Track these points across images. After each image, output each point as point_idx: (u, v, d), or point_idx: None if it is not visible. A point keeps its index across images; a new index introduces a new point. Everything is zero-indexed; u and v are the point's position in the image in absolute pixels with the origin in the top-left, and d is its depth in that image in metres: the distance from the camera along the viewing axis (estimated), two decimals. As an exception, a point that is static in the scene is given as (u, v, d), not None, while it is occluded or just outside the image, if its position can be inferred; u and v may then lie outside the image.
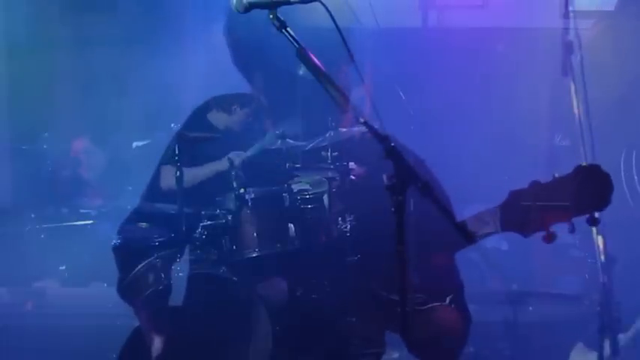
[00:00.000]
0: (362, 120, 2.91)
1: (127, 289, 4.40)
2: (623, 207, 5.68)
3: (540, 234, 3.21)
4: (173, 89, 6.92)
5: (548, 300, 5.72)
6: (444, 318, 3.70)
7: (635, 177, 6.05)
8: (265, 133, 4.41)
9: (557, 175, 3.22)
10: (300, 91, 4.34)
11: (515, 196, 3.28)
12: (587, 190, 3.12)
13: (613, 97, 5.78)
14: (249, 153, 4.34)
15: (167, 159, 4.47)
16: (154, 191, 4.57)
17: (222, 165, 4.34)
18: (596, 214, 3.15)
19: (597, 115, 4.53)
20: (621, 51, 6.24)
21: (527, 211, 3.21)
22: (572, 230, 3.19)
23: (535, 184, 3.23)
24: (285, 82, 4.27)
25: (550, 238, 3.17)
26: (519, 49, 6.77)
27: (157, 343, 4.23)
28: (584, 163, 3.33)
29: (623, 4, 6.62)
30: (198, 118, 4.59)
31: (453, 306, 3.72)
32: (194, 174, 4.41)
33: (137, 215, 4.55)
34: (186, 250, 4.41)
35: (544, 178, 3.26)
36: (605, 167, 3.18)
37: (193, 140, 4.47)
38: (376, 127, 2.93)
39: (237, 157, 4.30)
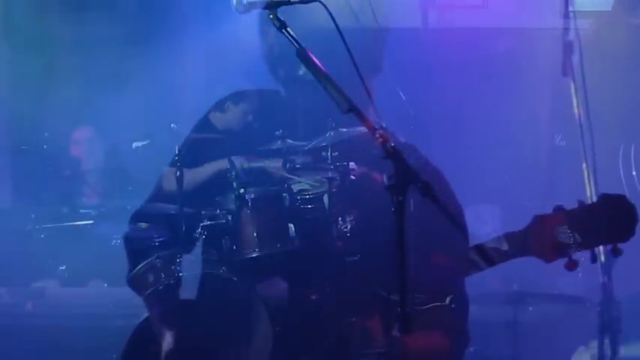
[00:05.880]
0: (383, 125, 2.90)
1: (131, 286, 4.42)
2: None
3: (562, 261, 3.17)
4: (173, 89, 6.92)
5: (548, 300, 5.71)
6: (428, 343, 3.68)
7: (634, 172, 6.04)
8: (266, 134, 4.41)
9: (581, 200, 3.15)
10: (300, 91, 4.35)
11: (538, 222, 3.18)
12: (612, 220, 3.06)
13: (610, 93, 5.78)
14: (253, 164, 4.35)
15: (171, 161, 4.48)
16: (157, 193, 4.58)
17: (222, 164, 4.35)
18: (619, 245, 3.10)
19: (595, 110, 4.54)
20: (617, 48, 6.24)
21: (550, 238, 3.13)
22: (594, 260, 3.16)
23: (559, 210, 3.15)
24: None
25: (572, 265, 3.10)
26: (519, 49, 6.77)
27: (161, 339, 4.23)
28: (584, 165, 3.30)
29: (618, 3, 6.63)
30: (200, 119, 4.60)
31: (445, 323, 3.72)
32: (195, 174, 4.42)
33: (141, 216, 4.56)
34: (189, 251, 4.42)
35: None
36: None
37: (194, 141, 4.48)
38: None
39: (239, 162, 4.30)
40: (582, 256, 3.12)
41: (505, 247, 3.21)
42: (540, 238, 3.15)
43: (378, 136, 2.84)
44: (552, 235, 3.12)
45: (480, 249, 3.15)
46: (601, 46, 5.99)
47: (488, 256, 3.17)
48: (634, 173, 6.04)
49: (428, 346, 3.61)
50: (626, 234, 3.06)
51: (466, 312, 3.86)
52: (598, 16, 6.63)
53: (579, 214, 3.12)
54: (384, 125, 2.96)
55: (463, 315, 3.85)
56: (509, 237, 3.21)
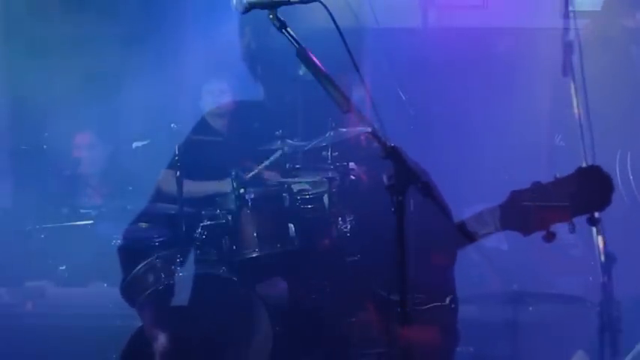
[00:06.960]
0: (369, 129, 2.91)
1: (128, 289, 4.41)
2: (620, 206, 5.66)
3: (540, 233, 3.23)
4: (173, 89, 6.92)
5: (548, 300, 5.71)
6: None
7: (631, 176, 6.04)
8: (268, 138, 4.42)
9: (558, 175, 3.24)
10: (301, 92, 4.35)
11: (516, 196, 3.29)
12: (588, 190, 3.16)
13: (607, 97, 5.78)
14: (256, 171, 4.36)
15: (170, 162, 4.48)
16: (158, 194, 4.59)
17: (224, 186, 4.36)
18: (596, 214, 3.17)
19: (594, 111, 4.54)
20: (610, 51, 6.24)
21: (528, 211, 3.22)
22: (572, 230, 3.22)
23: (536, 184, 3.25)
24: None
25: (550, 237, 3.20)
26: (519, 49, 6.77)
27: (158, 343, 4.23)
28: (584, 164, 3.34)
29: (608, 4, 6.63)
30: (201, 121, 4.61)
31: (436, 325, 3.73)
32: (196, 189, 4.43)
33: (141, 216, 4.56)
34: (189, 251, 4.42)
35: (545, 178, 3.27)
36: (603, 164, 3.20)
37: (194, 143, 4.49)
38: (377, 129, 2.93)
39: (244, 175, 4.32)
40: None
41: (485, 222, 3.26)
42: (518, 212, 3.26)
43: (363, 138, 2.87)
44: (529, 209, 3.19)
45: (461, 226, 3.19)
46: (596, 46, 5.99)
47: (469, 232, 3.23)
48: (631, 177, 6.04)
49: (423, 341, 3.63)
50: (602, 203, 3.17)
51: (457, 311, 3.90)
52: (596, 15, 6.64)
53: (555, 186, 3.21)
54: (368, 129, 2.97)
55: (457, 315, 3.88)
56: (487, 213, 3.27)
